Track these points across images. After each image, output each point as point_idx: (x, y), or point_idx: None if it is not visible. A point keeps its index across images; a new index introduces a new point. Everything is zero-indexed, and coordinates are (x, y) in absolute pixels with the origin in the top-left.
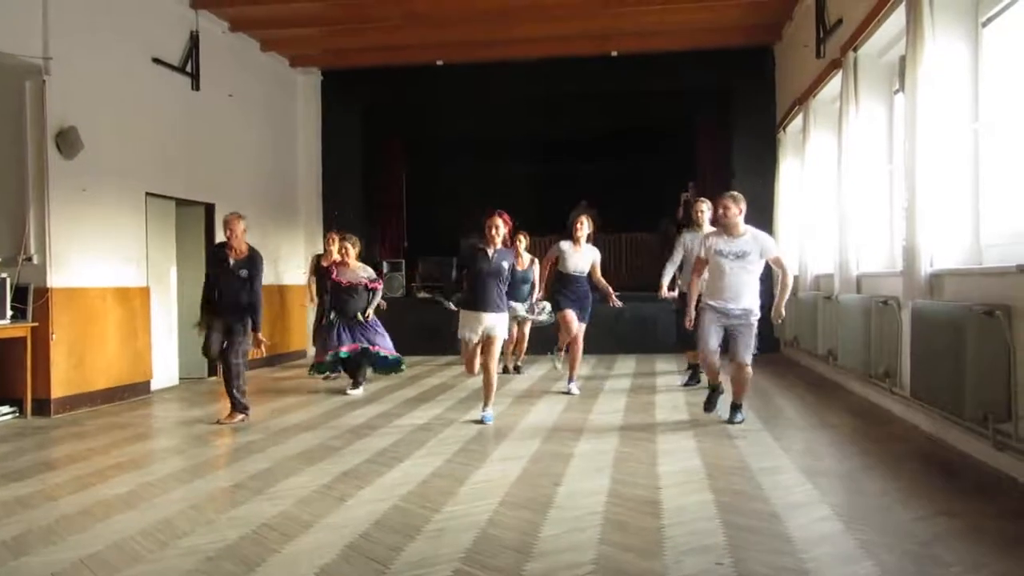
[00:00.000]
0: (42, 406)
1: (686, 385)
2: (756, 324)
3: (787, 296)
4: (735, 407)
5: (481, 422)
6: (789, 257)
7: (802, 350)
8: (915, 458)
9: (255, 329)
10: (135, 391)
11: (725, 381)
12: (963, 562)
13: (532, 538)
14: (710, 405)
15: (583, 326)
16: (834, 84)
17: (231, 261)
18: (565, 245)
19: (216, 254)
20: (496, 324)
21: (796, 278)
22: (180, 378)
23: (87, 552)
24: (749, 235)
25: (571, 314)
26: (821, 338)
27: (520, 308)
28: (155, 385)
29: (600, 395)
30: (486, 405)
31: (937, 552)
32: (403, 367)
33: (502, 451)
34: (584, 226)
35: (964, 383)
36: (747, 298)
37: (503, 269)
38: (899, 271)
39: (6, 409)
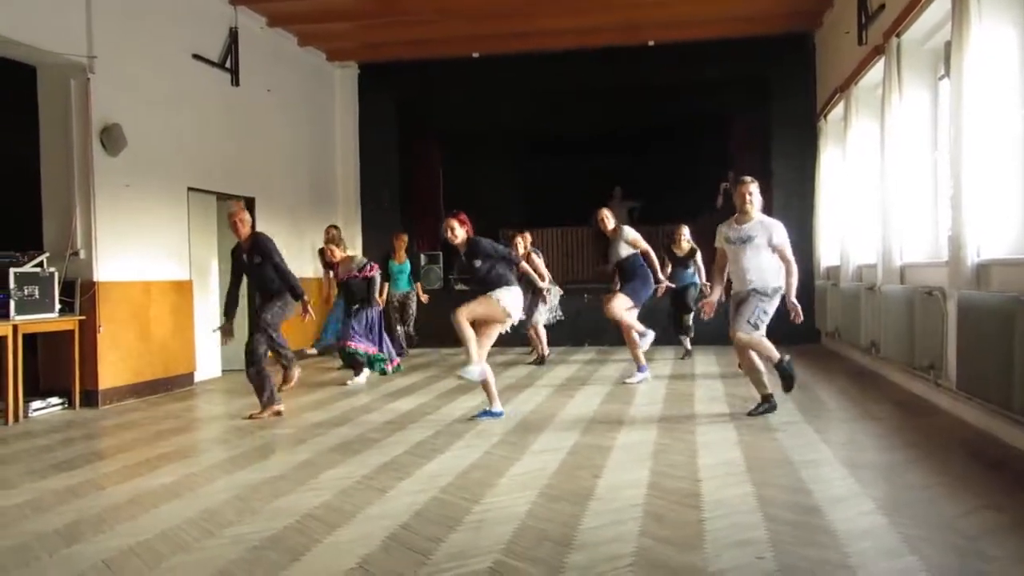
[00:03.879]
0: (90, 397)
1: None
2: (763, 300)
3: (795, 286)
4: (765, 398)
5: (461, 379)
6: (831, 247)
7: (843, 341)
8: (961, 451)
9: (298, 297)
10: (179, 383)
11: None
12: (1009, 556)
13: (572, 530)
14: (788, 380)
15: (622, 299)
16: (876, 71)
17: (244, 256)
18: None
19: (234, 256)
20: (492, 293)
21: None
22: (223, 370)
23: (136, 540)
24: (757, 220)
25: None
26: (863, 329)
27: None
28: (198, 377)
29: (640, 386)
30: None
31: (983, 547)
32: (380, 367)
33: (541, 443)
34: (608, 220)
35: (1012, 375)
36: (755, 278)
37: (475, 265)
38: (944, 261)
39: (55, 400)
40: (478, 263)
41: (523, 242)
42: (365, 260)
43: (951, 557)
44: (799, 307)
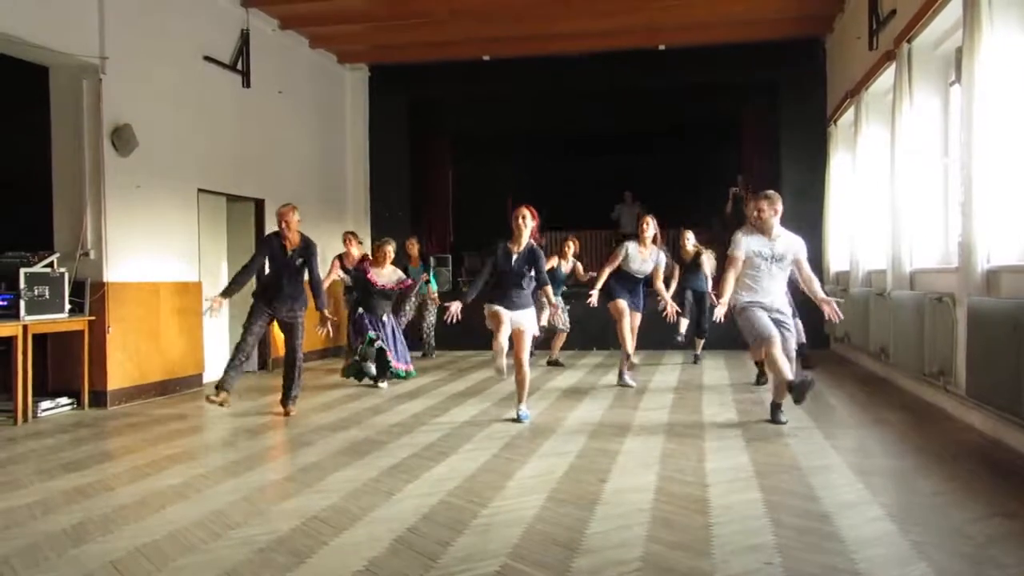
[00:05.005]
0: (99, 398)
1: (758, 383)
2: (797, 320)
3: (819, 290)
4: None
5: (517, 420)
6: (840, 253)
7: (853, 347)
8: (970, 458)
9: (320, 308)
10: (188, 383)
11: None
12: (1020, 564)
13: (579, 534)
14: (778, 418)
15: (637, 315)
16: (887, 76)
17: (288, 251)
18: (632, 247)
19: (270, 244)
20: (523, 319)
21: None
22: None
23: (143, 541)
24: (785, 237)
25: (622, 302)
26: (873, 335)
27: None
28: (207, 378)
29: (647, 391)
30: (520, 402)
31: (994, 554)
32: (412, 375)
33: (549, 447)
34: (650, 226)
35: (1022, 381)
36: (781, 302)
37: (525, 273)
38: (954, 267)
39: (64, 400)
40: (526, 270)
41: (574, 246)
42: (404, 275)
43: (961, 564)
44: (833, 302)
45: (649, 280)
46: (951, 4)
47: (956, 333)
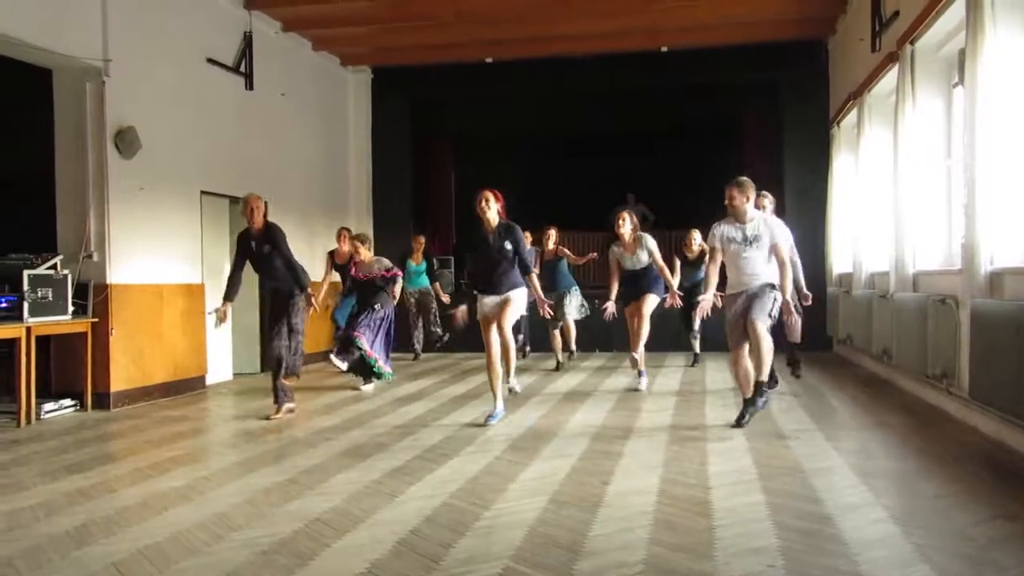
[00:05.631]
0: (102, 399)
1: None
2: (776, 291)
3: (789, 288)
4: (758, 385)
5: (511, 392)
6: (843, 254)
7: (855, 349)
8: (973, 460)
9: (302, 290)
10: (191, 386)
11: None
12: (1022, 566)
13: (582, 537)
14: (741, 420)
15: (648, 297)
16: (890, 78)
17: (254, 244)
18: (616, 248)
19: (242, 242)
20: (510, 296)
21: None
22: (234, 373)
23: (146, 543)
24: (759, 219)
25: (628, 310)
26: (876, 337)
27: (571, 307)
28: (210, 380)
29: (650, 394)
30: (508, 374)
31: (995, 556)
32: (385, 377)
33: (551, 449)
34: (626, 222)
35: None
36: (764, 279)
37: (505, 248)
38: (957, 269)
39: (67, 402)
40: (508, 246)
41: (555, 235)
42: (391, 264)
43: (963, 566)
44: (791, 304)
45: (652, 277)
46: (954, 6)
47: (959, 335)
